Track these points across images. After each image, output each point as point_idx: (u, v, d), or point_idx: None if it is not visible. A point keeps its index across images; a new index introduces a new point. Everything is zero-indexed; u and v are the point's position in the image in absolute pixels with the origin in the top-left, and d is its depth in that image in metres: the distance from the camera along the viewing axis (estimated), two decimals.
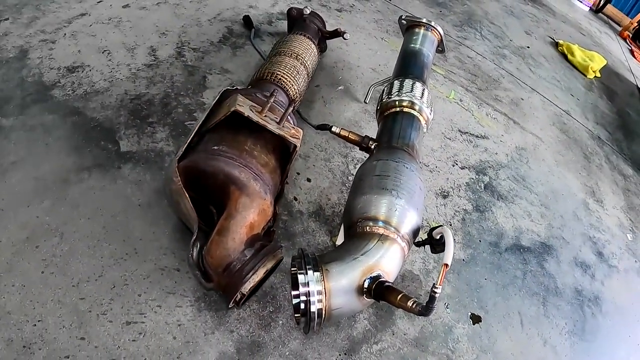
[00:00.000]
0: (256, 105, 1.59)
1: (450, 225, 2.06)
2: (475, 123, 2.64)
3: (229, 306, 1.49)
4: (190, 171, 1.47)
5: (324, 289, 1.30)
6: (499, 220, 2.19)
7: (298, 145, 1.58)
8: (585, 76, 3.91)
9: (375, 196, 1.52)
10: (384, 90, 2.01)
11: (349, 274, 1.34)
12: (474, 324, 1.85)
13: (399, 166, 1.63)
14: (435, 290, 1.22)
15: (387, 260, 1.41)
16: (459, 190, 2.27)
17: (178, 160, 1.46)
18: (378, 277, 1.36)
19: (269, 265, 1.40)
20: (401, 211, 1.50)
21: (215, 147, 1.50)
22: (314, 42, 2.26)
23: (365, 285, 1.35)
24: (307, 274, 1.30)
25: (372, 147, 1.81)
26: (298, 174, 2.01)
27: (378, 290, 1.32)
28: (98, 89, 1.97)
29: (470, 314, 1.86)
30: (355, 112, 2.34)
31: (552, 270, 2.16)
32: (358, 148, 1.86)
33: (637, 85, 4.14)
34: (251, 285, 1.37)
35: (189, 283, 1.60)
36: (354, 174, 2.10)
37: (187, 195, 1.42)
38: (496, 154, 2.53)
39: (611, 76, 4.08)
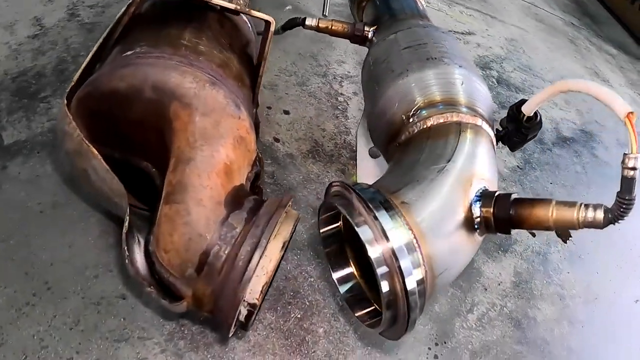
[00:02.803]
0: None
1: None
2: (454, 21, 2.09)
3: (227, 337, 0.75)
4: (91, 105, 0.73)
5: (416, 238, 0.60)
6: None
7: (271, 20, 0.84)
8: None
9: (421, 73, 0.85)
10: None
11: (444, 199, 0.67)
12: (565, 241, 1.27)
13: (431, 31, 0.98)
14: (632, 165, 0.60)
15: (483, 161, 0.76)
16: None
17: (69, 96, 0.70)
18: (488, 191, 0.70)
19: (285, 233, 0.68)
20: (468, 83, 0.85)
21: (129, 52, 0.75)
22: None
23: (476, 211, 0.68)
24: (377, 219, 0.59)
25: (370, 33, 1.13)
26: (269, 108, 1.28)
27: (505, 213, 0.67)
28: None
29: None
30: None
31: (605, 158, 1.68)
32: (349, 42, 1.18)
33: None
34: (262, 284, 0.65)
35: (147, 314, 0.87)
36: (343, 92, 1.41)
37: (96, 152, 0.66)
38: (491, 47, 2.00)
39: None
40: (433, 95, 0.83)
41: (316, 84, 1.42)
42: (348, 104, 1.38)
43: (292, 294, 0.93)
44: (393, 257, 0.58)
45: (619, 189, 0.64)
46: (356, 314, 0.74)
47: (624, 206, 0.63)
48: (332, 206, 0.68)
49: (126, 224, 0.68)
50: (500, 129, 0.95)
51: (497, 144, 0.93)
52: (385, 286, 0.60)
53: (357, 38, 1.16)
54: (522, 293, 1.11)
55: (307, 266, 0.98)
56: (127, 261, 0.68)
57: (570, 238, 1.30)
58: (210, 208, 0.65)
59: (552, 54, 2.20)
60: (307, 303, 0.93)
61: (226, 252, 0.64)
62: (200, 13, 0.86)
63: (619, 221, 0.65)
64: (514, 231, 1.29)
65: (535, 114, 0.91)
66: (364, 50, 1.14)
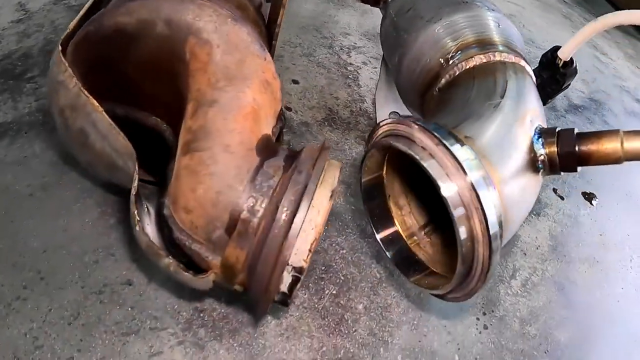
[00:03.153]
0: None
1: None
2: None
3: (264, 314, 0.66)
4: (91, 48, 0.63)
5: (487, 173, 0.52)
6: None
7: None
8: None
9: (454, 16, 0.78)
10: None
11: (505, 135, 0.59)
12: (591, 203, 1.23)
13: None
14: None
15: (532, 98, 0.68)
16: None
17: (64, 43, 0.59)
18: (546, 128, 0.63)
19: (332, 180, 0.58)
20: (504, 24, 0.78)
21: None
22: None
23: (539, 149, 0.60)
24: (448, 150, 0.51)
25: None
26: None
27: (570, 149, 0.59)
28: None
29: (582, 193, 1.24)
30: (317, 2, 1.58)
31: (616, 125, 1.65)
32: (355, 6, 1.11)
33: None
34: (311, 241, 0.55)
35: (159, 300, 0.76)
36: (352, 62, 1.34)
37: (97, 104, 0.56)
38: None
39: None
40: (469, 37, 0.75)
41: (323, 54, 1.33)
42: (359, 73, 1.30)
43: (323, 268, 0.84)
44: (473, 192, 0.49)
45: None
46: (411, 279, 0.64)
47: None
48: (386, 145, 0.59)
49: (135, 183, 0.58)
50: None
51: None
52: (463, 232, 0.51)
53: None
54: (561, 256, 1.04)
55: (336, 237, 0.88)
56: (137, 228, 0.57)
57: (595, 198, 1.26)
58: (241, 154, 0.55)
59: (551, 29, 2.19)
60: (342, 277, 0.83)
61: (263, 205, 0.54)
62: None
63: None
64: (543, 193, 1.24)
65: (572, 59, 0.86)
66: (369, 23, 1.06)
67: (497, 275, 0.93)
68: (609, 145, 0.60)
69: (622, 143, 0.60)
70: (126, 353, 0.68)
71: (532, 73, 0.78)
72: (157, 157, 0.71)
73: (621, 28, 2.72)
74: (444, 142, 0.50)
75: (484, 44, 0.75)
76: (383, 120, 0.59)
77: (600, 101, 1.77)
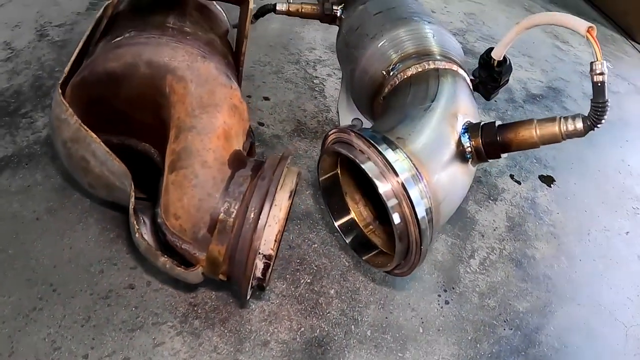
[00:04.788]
0: None
1: None
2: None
3: (246, 298, 0.80)
4: (87, 90, 0.79)
5: (417, 169, 0.68)
6: None
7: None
8: None
9: (394, 31, 0.95)
10: None
11: (435, 133, 0.75)
12: (549, 185, 1.39)
13: None
14: (600, 70, 0.68)
15: (464, 100, 0.85)
16: None
17: (63, 86, 0.75)
18: (473, 123, 0.79)
19: (290, 183, 0.74)
20: (439, 35, 0.95)
21: (118, 38, 0.81)
22: None
23: (466, 142, 0.77)
24: (381, 154, 0.67)
25: (339, 12, 1.22)
26: (249, 97, 1.35)
27: (492, 139, 0.76)
28: None
29: (539, 176, 1.40)
30: (283, 21, 1.76)
31: (575, 109, 1.82)
32: (319, 23, 1.27)
33: None
34: (275, 233, 0.71)
35: (158, 299, 0.90)
36: (318, 75, 1.51)
37: (94, 135, 0.72)
38: (451, 22, 2.15)
39: None
40: (408, 49, 0.92)
41: (291, 70, 1.51)
42: (324, 85, 1.48)
43: (298, 261, 1.00)
44: (402, 188, 0.65)
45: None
46: (363, 258, 0.81)
47: (599, 110, 0.70)
48: (332, 151, 0.75)
49: (132, 199, 0.73)
50: (474, 78, 1.05)
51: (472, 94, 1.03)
52: (396, 218, 0.67)
53: (327, 17, 1.26)
54: (518, 235, 1.21)
55: (308, 234, 1.05)
56: (137, 235, 0.73)
57: (554, 182, 1.43)
58: (217, 168, 0.71)
59: (511, 22, 2.38)
60: (315, 268, 0.99)
61: (236, 207, 0.70)
62: (179, 2, 0.94)
63: (598, 126, 0.73)
64: (500, 180, 1.40)
65: (505, 57, 1.02)
66: (332, 36, 1.23)
67: (457, 256, 1.09)
68: (526, 133, 0.76)
69: (536, 130, 0.75)
70: (133, 346, 0.83)
71: (465, 76, 0.94)
72: (148, 176, 0.87)
73: (583, 13, 2.92)
74: (377, 146, 0.67)
75: (422, 54, 0.91)
76: (330, 131, 0.75)
77: (559, 89, 1.96)
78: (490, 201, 1.26)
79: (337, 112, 1.30)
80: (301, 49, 1.62)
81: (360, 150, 0.69)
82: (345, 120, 1.23)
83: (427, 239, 0.69)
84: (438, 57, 0.89)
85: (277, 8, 1.26)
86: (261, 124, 1.27)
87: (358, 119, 1.22)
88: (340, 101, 1.27)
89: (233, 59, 0.99)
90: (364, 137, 0.68)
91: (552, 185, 1.41)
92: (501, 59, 0.98)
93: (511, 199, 1.30)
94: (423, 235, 0.67)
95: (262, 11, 1.29)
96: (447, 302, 1.01)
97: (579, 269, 1.20)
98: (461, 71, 0.91)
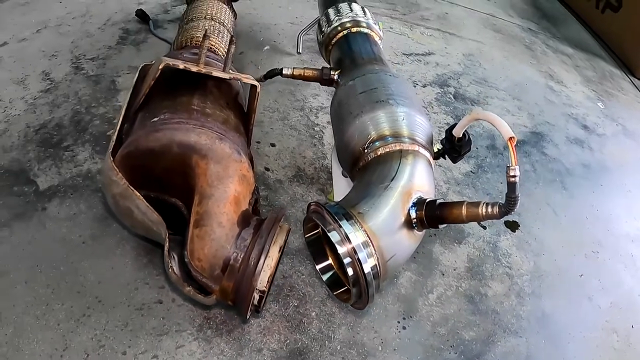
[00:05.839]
0: (188, 62, 1.21)
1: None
2: (415, 43, 2.49)
3: (246, 318, 1.11)
4: (132, 160, 1.09)
5: (369, 237, 0.98)
6: (484, 123, 2.04)
7: (257, 84, 1.22)
8: None
9: (372, 114, 1.23)
10: (319, 24, 1.72)
11: (388, 208, 1.04)
12: (513, 231, 1.66)
13: (381, 76, 1.36)
14: (513, 174, 0.94)
15: (420, 177, 1.13)
16: (432, 107, 2.10)
17: (112, 153, 1.06)
18: (422, 199, 1.07)
19: (280, 240, 1.06)
20: (409, 118, 1.23)
21: (155, 119, 1.12)
22: (223, 2, 1.92)
23: (413, 214, 1.05)
24: (341, 227, 0.97)
25: (335, 76, 1.52)
26: (258, 142, 1.66)
27: (432, 213, 1.04)
28: None
29: (504, 222, 1.67)
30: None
31: (554, 154, 2.07)
32: (319, 84, 1.56)
33: None
34: (268, 275, 1.01)
35: (180, 312, 1.21)
36: (319, 123, 1.80)
37: (138, 194, 1.02)
38: (449, 65, 2.40)
39: None
40: (382, 130, 1.20)
41: (295, 117, 1.81)
42: (323, 133, 1.78)
43: (289, 288, 1.30)
44: (353, 251, 0.95)
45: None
46: (334, 293, 1.12)
47: (511, 203, 0.96)
48: (311, 219, 1.06)
49: (166, 245, 1.04)
50: (441, 146, 1.32)
51: (440, 159, 1.30)
52: (350, 271, 0.97)
53: (326, 81, 1.55)
54: (475, 275, 1.49)
55: (299, 267, 1.35)
56: (170, 270, 1.04)
57: (518, 228, 1.69)
58: (229, 227, 1.03)
59: (508, 62, 2.61)
60: (302, 294, 1.30)
61: (241, 256, 1.01)
62: (203, 81, 1.24)
63: (510, 213, 1.00)
64: (467, 225, 1.67)
65: (464, 134, 1.29)
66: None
67: (417, 291, 1.38)
68: (457, 212, 1.04)
69: (464, 211, 1.03)
70: (160, 347, 1.15)
71: (427, 154, 1.21)
72: (177, 221, 1.18)
73: (586, 48, 3.09)
74: (338, 221, 0.96)
75: (392, 136, 1.19)
76: (311, 203, 1.06)
77: (542, 133, 2.19)
78: (455, 244, 1.54)
79: (331, 161, 1.59)
80: (306, 94, 1.92)
81: (328, 222, 0.99)
82: (337, 170, 1.52)
83: (372, 287, 0.98)
84: (404, 140, 1.17)
85: (284, 72, 1.55)
86: (267, 169, 1.58)
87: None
88: (334, 152, 1.56)
89: (243, 122, 1.29)
90: (331, 214, 0.98)
91: (516, 230, 1.67)
92: (460, 136, 1.26)
93: (474, 242, 1.57)
94: (369, 285, 0.97)
95: (271, 74, 1.59)
96: (404, 328, 1.31)
97: (527, 307, 1.46)
98: (423, 151, 1.18)
